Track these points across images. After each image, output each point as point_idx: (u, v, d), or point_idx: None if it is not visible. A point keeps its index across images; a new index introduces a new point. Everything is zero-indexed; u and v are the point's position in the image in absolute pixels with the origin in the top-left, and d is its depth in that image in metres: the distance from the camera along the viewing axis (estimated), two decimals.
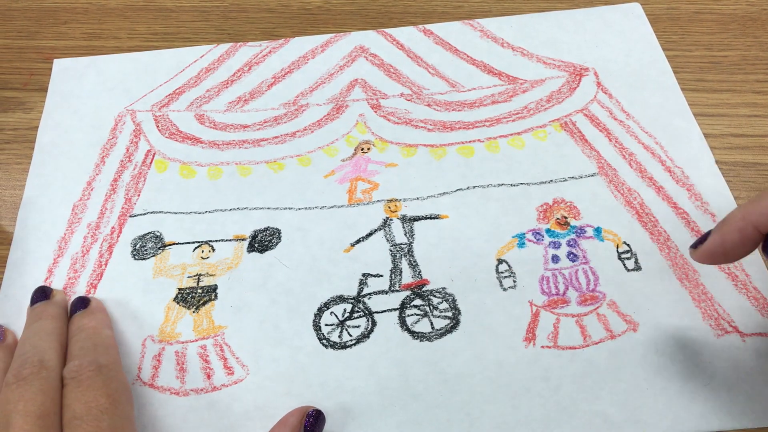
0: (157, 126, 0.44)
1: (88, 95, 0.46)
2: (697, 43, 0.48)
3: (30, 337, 0.32)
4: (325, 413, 0.33)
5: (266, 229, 0.40)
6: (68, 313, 0.36)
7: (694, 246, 0.31)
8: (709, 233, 0.30)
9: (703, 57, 0.47)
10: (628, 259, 0.38)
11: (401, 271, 0.38)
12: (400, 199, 0.41)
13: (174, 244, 0.39)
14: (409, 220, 0.40)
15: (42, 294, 0.36)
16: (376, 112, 0.45)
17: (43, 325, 0.33)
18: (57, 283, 0.38)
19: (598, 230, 0.39)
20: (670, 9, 0.50)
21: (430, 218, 0.40)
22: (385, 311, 0.37)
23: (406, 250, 0.39)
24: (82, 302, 0.36)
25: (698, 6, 0.50)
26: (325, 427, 0.33)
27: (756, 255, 0.37)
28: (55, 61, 0.48)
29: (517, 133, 0.43)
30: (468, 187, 0.41)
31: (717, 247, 0.30)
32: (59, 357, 0.32)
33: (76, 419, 0.28)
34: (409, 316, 0.37)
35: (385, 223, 0.40)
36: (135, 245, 0.39)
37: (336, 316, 0.37)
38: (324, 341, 0.36)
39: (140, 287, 0.38)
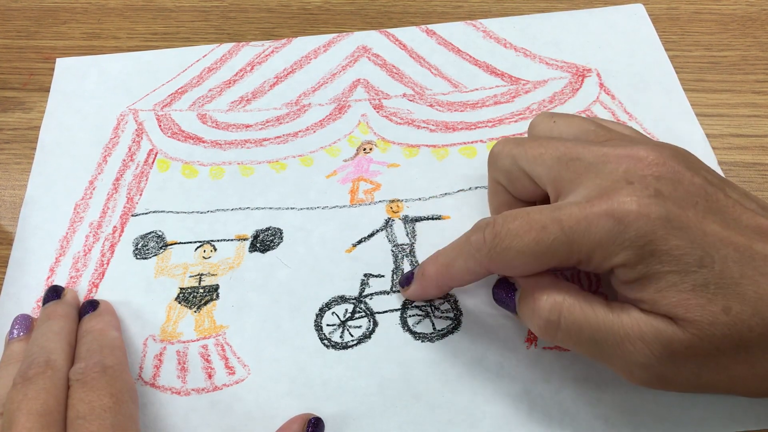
0: (160, 125, 0.44)
1: (91, 94, 0.46)
2: (697, 44, 0.48)
3: (38, 338, 0.33)
4: (326, 413, 0.33)
5: (268, 229, 0.40)
6: (78, 313, 0.36)
7: (401, 285, 0.37)
8: (412, 274, 0.36)
9: (703, 57, 0.47)
10: None
11: (403, 272, 0.38)
12: (402, 200, 0.41)
13: (176, 243, 0.39)
14: (411, 221, 0.40)
15: (53, 293, 0.36)
16: (378, 112, 0.45)
17: (52, 326, 0.33)
18: (59, 283, 0.38)
19: None
20: (670, 9, 0.50)
21: (432, 219, 0.40)
22: (386, 312, 0.37)
23: (407, 250, 0.39)
24: (91, 305, 0.36)
25: (698, 6, 0.50)
26: (325, 429, 0.33)
27: None
28: (57, 60, 0.48)
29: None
30: (470, 188, 0.41)
31: (420, 296, 0.36)
32: (66, 357, 0.32)
33: (79, 419, 0.28)
34: (410, 316, 0.37)
35: (387, 224, 0.40)
36: (137, 244, 0.39)
37: (337, 317, 0.37)
38: (325, 341, 0.36)
39: (142, 287, 0.38)
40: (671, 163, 0.28)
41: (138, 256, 0.39)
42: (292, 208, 0.41)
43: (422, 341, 0.36)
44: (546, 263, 0.29)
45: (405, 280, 0.36)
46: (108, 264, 0.39)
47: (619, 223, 0.27)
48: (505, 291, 0.32)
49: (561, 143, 0.31)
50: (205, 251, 0.39)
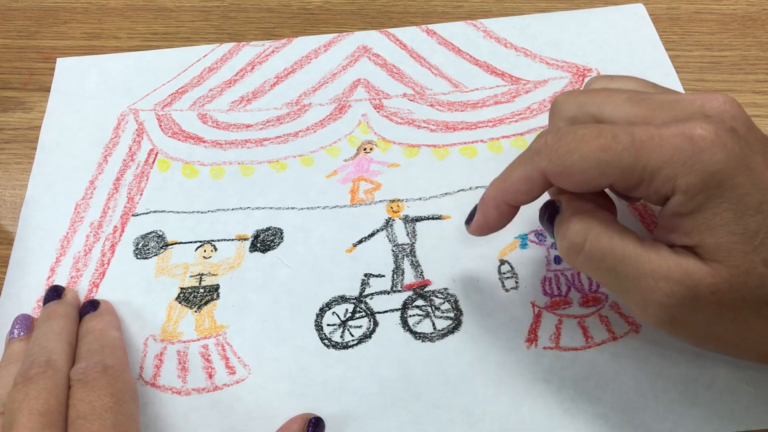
0: (160, 125, 0.44)
1: (91, 94, 0.46)
2: (698, 43, 0.48)
3: (39, 338, 0.33)
4: (326, 413, 0.33)
5: (268, 228, 0.40)
6: (79, 312, 0.36)
7: (467, 222, 0.35)
8: (476, 209, 0.34)
9: (703, 57, 0.47)
10: None
11: (403, 272, 0.38)
12: (403, 200, 0.41)
13: (176, 243, 0.39)
14: (411, 221, 0.40)
15: (54, 293, 0.36)
16: (378, 112, 0.45)
17: (52, 326, 0.34)
18: (59, 282, 0.38)
19: None
20: (671, 9, 0.50)
21: (433, 219, 0.40)
22: (387, 311, 0.37)
23: (408, 250, 0.39)
24: (92, 305, 0.36)
25: (698, 6, 0.50)
26: (326, 429, 0.33)
27: None
28: (57, 60, 0.48)
29: (519, 133, 0.43)
30: (470, 188, 0.41)
31: (483, 224, 0.34)
32: (67, 357, 0.32)
33: (80, 418, 0.28)
34: (411, 316, 0.37)
35: (388, 224, 0.40)
36: (137, 244, 0.39)
37: (338, 316, 0.37)
38: (326, 341, 0.36)
39: (142, 286, 0.38)
40: (742, 110, 0.28)
41: (138, 256, 0.39)
42: (292, 208, 0.41)
43: (422, 341, 0.36)
44: (607, 176, 0.28)
45: (470, 216, 0.35)
46: (108, 264, 0.39)
47: (693, 146, 0.26)
48: (549, 212, 0.32)
49: (628, 90, 0.31)
50: (205, 251, 0.39)
